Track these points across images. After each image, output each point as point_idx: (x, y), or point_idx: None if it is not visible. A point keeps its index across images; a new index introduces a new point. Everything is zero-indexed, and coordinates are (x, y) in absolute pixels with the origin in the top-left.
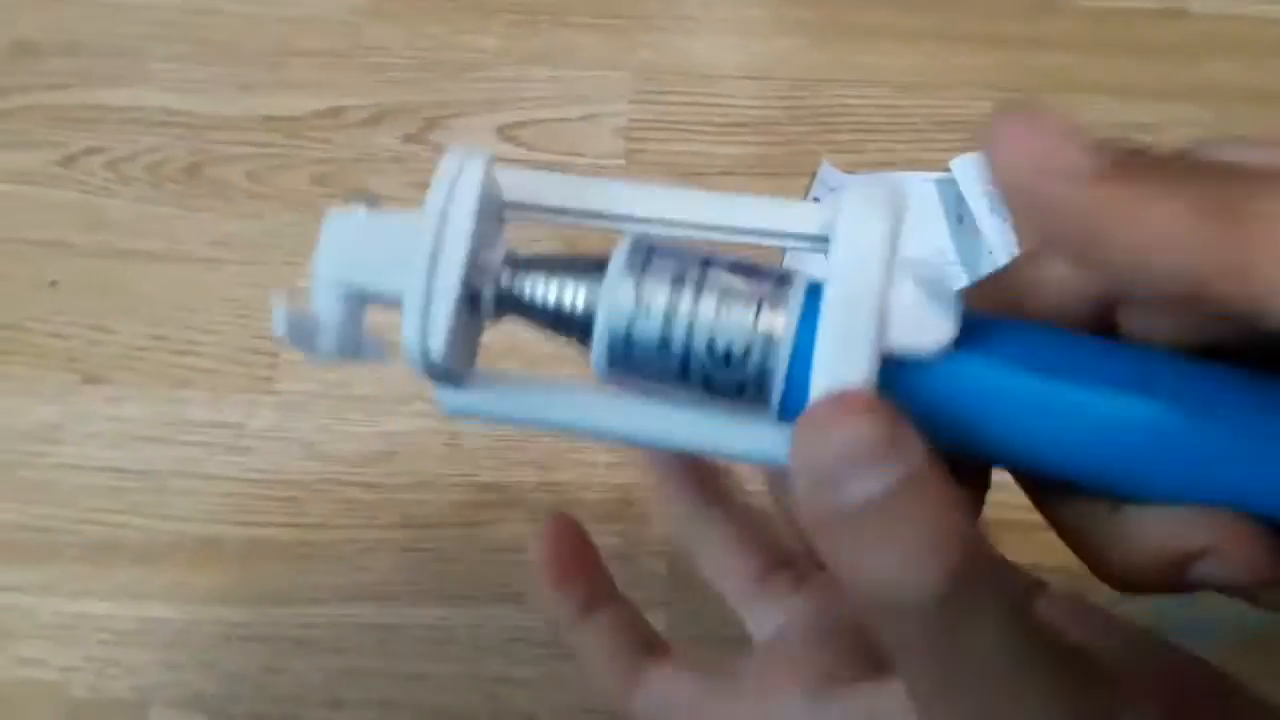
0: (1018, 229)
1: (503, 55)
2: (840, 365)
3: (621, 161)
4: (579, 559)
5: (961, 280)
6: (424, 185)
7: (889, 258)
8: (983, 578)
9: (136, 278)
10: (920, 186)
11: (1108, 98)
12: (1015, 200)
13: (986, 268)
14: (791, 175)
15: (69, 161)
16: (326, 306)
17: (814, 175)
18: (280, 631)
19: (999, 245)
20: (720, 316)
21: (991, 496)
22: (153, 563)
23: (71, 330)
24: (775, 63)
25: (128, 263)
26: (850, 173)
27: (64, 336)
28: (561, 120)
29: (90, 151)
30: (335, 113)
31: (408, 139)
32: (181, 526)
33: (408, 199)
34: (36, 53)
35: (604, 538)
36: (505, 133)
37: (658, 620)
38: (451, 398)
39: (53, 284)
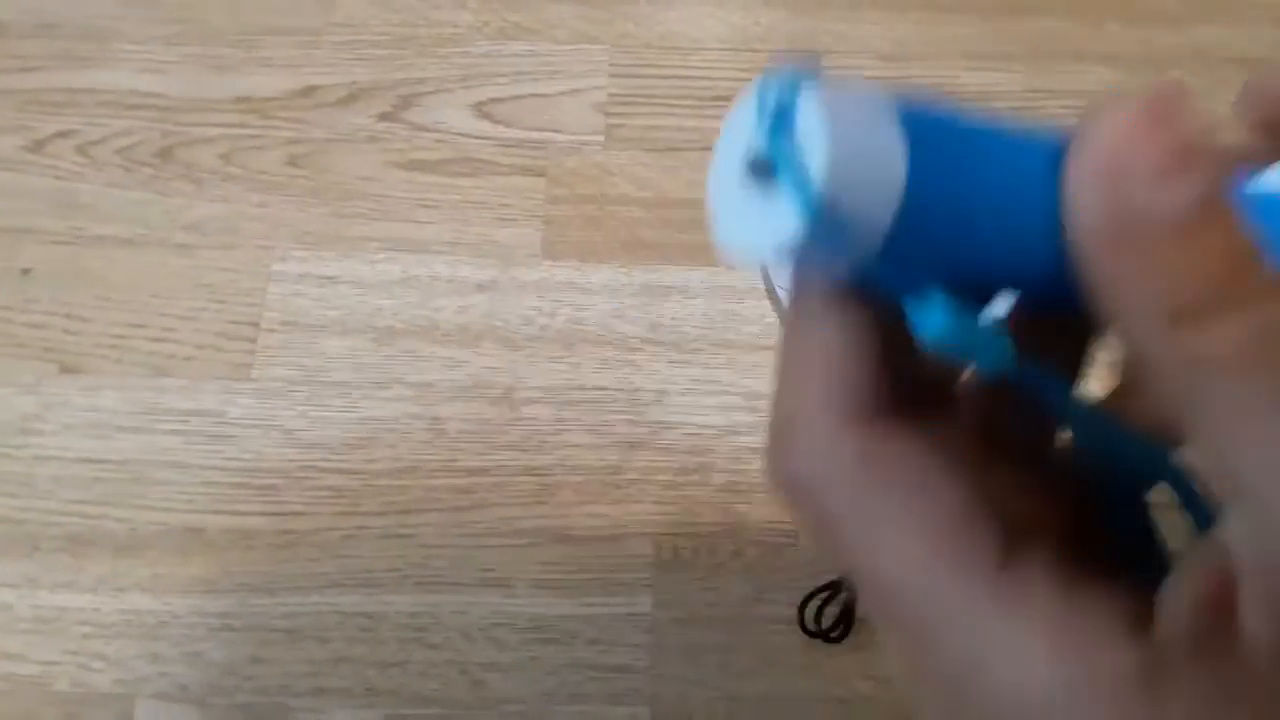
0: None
1: (478, 30)
2: None
3: (601, 137)
4: None
5: None
6: (400, 164)
7: None
8: None
9: (111, 264)
10: None
11: (1095, 64)
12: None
13: None
14: None
15: (39, 146)
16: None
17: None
18: (264, 621)
19: None
20: None
21: None
22: (134, 554)
23: (47, 319)
24: (756, 34)
25: (101, 249)
26: None
27: (39, 326)
28: (539, 96)
29: (61, 135)
30: (308, 92)
31: (383, 117)
32: (162, 517)
33: (383, 178)
34: (5, 34)
35: (589, 520)
36: (482, 109)
37: (643, 601)
38: None
39: (25, 272)
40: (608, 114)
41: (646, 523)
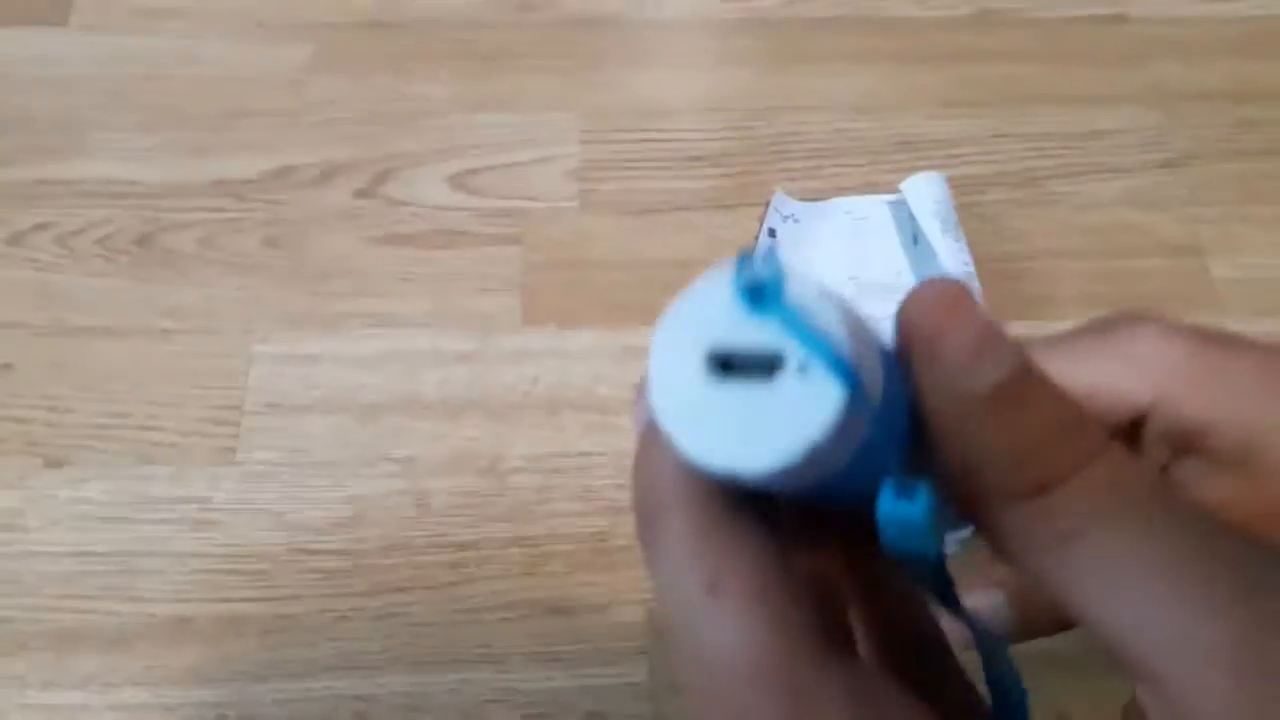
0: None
1: (451, 102)
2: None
3: (575, 203)
4: None
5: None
6: (378, 240)
7: None
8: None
9: (92, 354)
10: (875, 209)
11: (1059, 106)
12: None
13: None
14: (747, 206)
15: (18, 239)
16: None
17: (768, 204)
18: (259, 709)
19: (953, 264)
20: None
21: None
22: (124, 647)
23: (29, 413)
24: (726, 94)
25: (83, 339)
26: (805, 199)
27: (22, 420)
28: (513, 165)
29: (39, 228)
30: (285, 172)
31: (359, 194)
32: (151, 608)
33: (362, 255)
34: None
35: (581, 589)
36: (457, 181)
37: (638, 668)
38: None
39: (6, 366)
40: (581, 179)
41: (639, 588)
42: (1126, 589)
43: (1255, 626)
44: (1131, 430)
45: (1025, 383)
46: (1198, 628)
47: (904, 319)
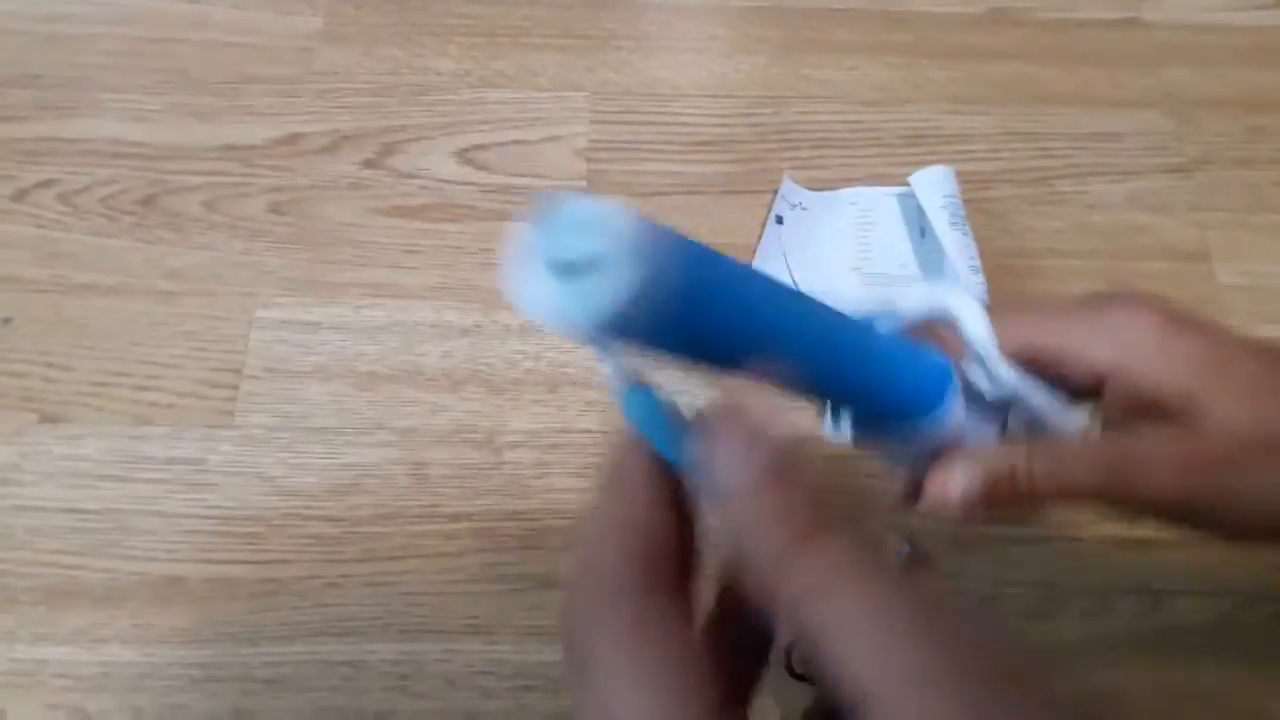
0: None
1: (461, 78)
2: None
3: (584, 183)
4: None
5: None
6: (383, 211)
7: None
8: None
9: (93, 312)
10: (882, 201)
11: (1070, 106)
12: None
13: (950, 280)
14: (755, 193)
15: (22, 195)
16: None
17: (776, 192)
18: (246, 672)
19: (959, 258)
20: None
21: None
22: (114, 604)
23: (27, 368)
24: (736, 80)
25: (84, 297)
26: (813, 189)
27: (20, 375)
28: (521, 142)
29: (44, 184)
30: (292, 140)
31: (366, 164)
32: (143, 566)
33: (367, 225)
34: None
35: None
36: (465, 156)
37: None
38: None
39: (6, 321)
40: (590, 159)
41: None
42: (852, 630)
43: (946, 649)
44: (1096, 391)
45: (775, 473)
46: (900, 654)
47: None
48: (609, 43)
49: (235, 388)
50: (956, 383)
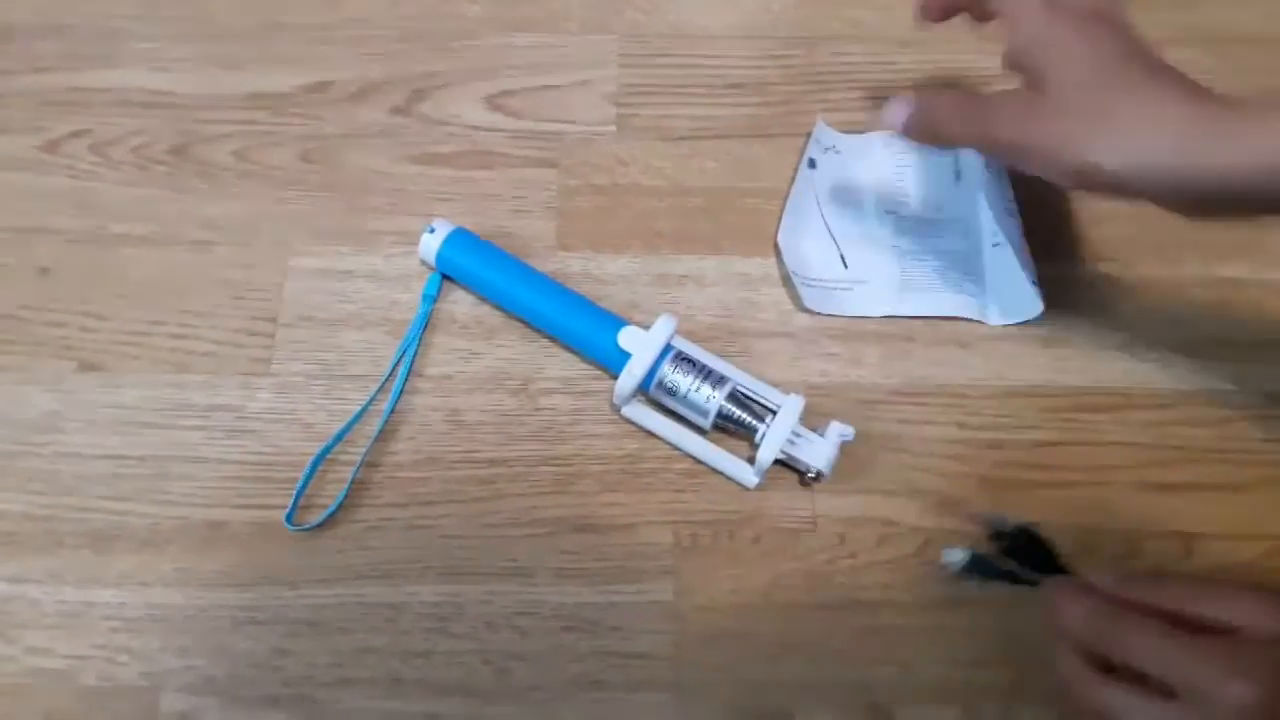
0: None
1: (488, 23)
2: None
3: (613, 128)
4: None
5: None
6: (413, 158)
7: None
8: None
9: (128, 262)
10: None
11: None
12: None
13: (985, 222)
14: (786, 136)
15: (54, 146)
16: None
17: (808, 135)
18: (287, 613)
19: (995, 201)
20: None
21: (995, 455)
22: (157, 548)
23: (66, 317)
24: (767, 21)
25: (118, 247)
26: (846, 131)
27: (58, 324)
28: (550, 88)
29: (75, 135)
30: (321, 87)
31: (395, 111)
32: (184, 511)
33: (397, 172)
34: (18, 36)
35: (609, 509)
36: (493, 102)
37: (664, 588)
38: None
39: (44, 271)
40: (619, 104)
41: (666, 511)
42: None
43: None
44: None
45: None
46: None
47: None
48: None
49: (271, 336)
50: None
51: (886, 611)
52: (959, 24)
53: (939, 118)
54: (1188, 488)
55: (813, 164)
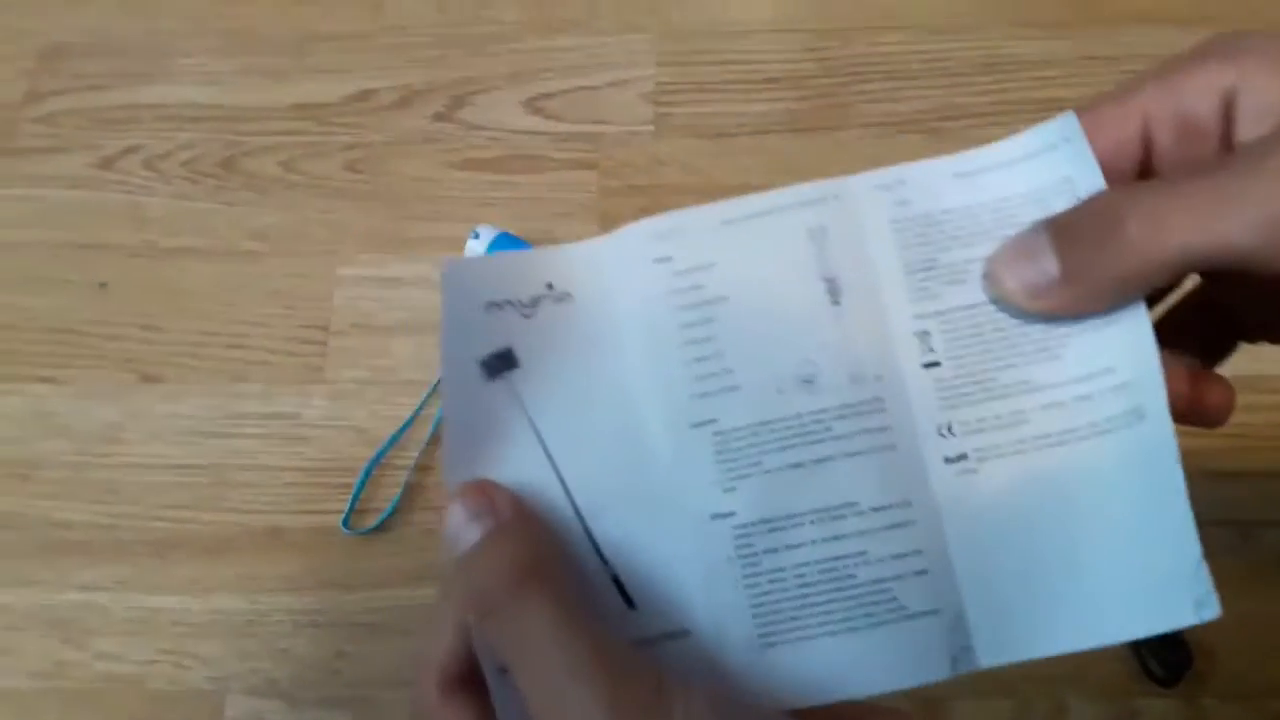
0: None
1: (525, 26)
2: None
3: (651, 127)
4: None
5: None
6: (456, 164)
7: None
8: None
9: (183, 274)
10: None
11: (1149, 26)
12: None
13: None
14: (824, 130)
15: (108, 163)
16: None
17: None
18: (347, 617)
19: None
20: None
21: None
22: (219, 555)
23: (125, 330)
24: (803, 15)
25: (173, 260)
26: (884, 124)
27: (118, 337)
28: (588, 89)
29: (128, 151)
30: (364, 96)
31: (437, 117)
32: (245, 519)
33: (441, 179)
34: (67, 55)
35: None
36: (532, 105)
37: None
38: None
39: (102, 286)
40: (656, 103)
41: None
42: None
43: None
44: (1227, 113)
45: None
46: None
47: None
48: None
49: (324, 344)
50: None
51: None
52: (993, 7)
53: (1171, 219)
54: (1246, 475)
55: (492, 368)
